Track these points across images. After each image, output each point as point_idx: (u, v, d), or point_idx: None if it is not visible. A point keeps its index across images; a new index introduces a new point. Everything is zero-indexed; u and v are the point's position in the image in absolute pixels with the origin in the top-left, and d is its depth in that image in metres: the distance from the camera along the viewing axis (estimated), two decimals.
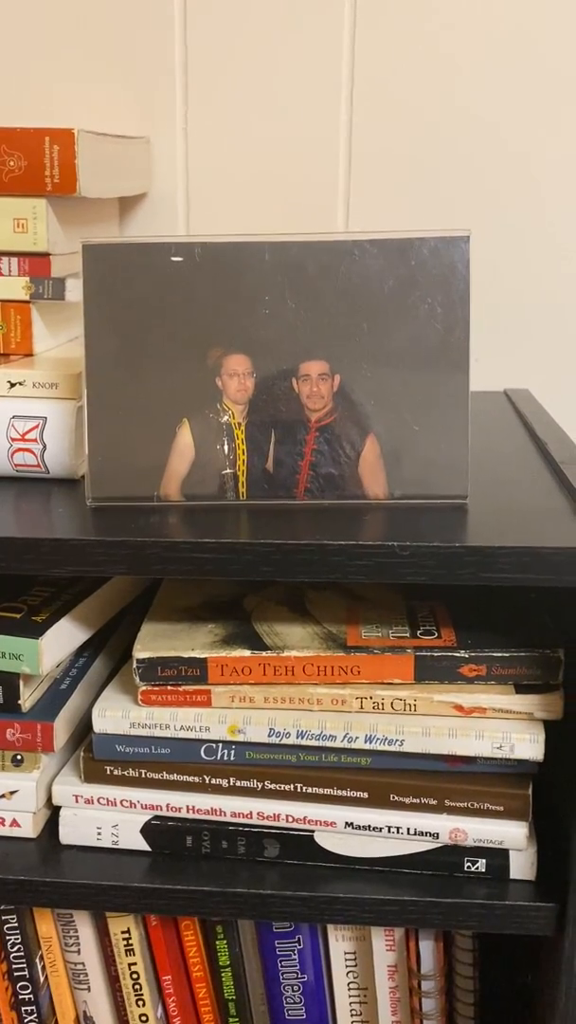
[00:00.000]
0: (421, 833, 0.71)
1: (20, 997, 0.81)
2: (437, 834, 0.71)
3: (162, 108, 0.99)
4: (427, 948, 0.76)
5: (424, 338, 0.67)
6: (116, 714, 0.72)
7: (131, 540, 0.64)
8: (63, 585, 0.78)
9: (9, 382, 0.72)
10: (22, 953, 0.80)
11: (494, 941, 0.81)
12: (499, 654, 0.69)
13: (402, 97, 0.97)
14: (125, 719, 0.72)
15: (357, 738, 0.70)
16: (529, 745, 0.69)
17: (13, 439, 0.72)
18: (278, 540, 0.63)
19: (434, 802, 0.71)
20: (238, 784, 0.72)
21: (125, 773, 0.73)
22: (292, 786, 0.72)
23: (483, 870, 0.72)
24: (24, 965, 0.80)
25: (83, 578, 0.79)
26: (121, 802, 0.74)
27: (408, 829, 0.71)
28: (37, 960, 0.80)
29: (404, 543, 0.62)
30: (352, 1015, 0.80)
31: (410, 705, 0.70)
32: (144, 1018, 0.80)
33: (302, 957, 0.79)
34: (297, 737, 0.71)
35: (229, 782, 0.72)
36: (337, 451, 0.68)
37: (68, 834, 0.75)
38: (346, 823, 0.72)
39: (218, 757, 0.72)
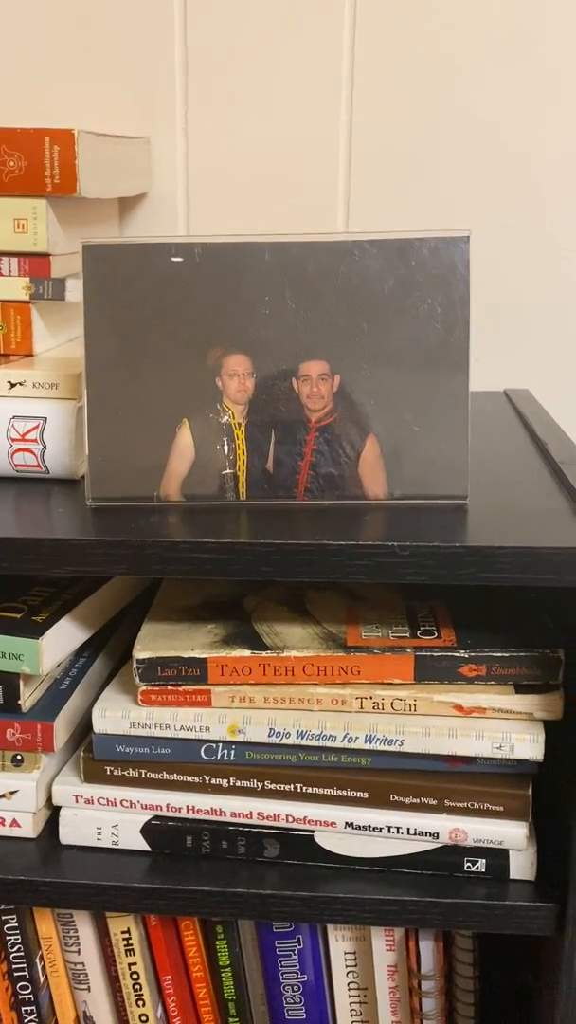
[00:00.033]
0: (421, 833, 0.71)
1: (20, 997, 0.81)
2: (437, 834, 0.71)
3: (162, 108, 0.99)
4: (427, 948, 0.76)
5: (424, 338, 0.67)
6: (116, 714, 0.72)
7: (131, 540, 0.64)
8: (63, 585, 0.78)
9: (9, 382, 0.72)
10: (22, 953, 0.80)
11: (494, 941, 0.81)
12: (499, 654, 0.69)
13: (402, 97, 0.97)
14: (125, 719, 0.72)
15: (357, 738, 0.70)
16: (529, 745, 0.69)
17: (13, 439, 0.72)
18: (278, 540, 0.63)
19: (434, 802, 0.71)
20: (238, 784, 0.72)
21: (125, 773, 0.73)
22: (292, 786, 0.72)
23: (483, 870, 0.72)
24: (24, 965, 0.80)
25: (83, 578, 0.79)
26: (121, 802, 0.74)
27: (408, 829, 0.72)
28: (37, 960, 0.80)
29: (404, 543, 0.62)
30: (352, 1015, 0.80)
31: (410, 705, 0.70)
32: (144, 1018, 0.80)
33: (302, 957, 0.79)
34: (297, 737, 0.71)
35: (229, 782, 0.72)
36: (337, 451, 0.68)
37: (68, 834, 0.75)
38: (346, 823, 0.72)
39: (218, 757, 0.72)
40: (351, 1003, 0.80)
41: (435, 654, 0.70)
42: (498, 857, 0.71)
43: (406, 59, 0.96)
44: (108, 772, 0.73)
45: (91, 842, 0.75)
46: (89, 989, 0.80)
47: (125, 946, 0.78)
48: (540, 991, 0.77)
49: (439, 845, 0.72)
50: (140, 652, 0.71)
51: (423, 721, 0.70)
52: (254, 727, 0.71)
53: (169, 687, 0.71)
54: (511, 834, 0.71)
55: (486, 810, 0.71)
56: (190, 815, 0.73)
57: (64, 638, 0.74)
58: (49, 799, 0.75)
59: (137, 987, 0.79)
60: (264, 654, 0.70)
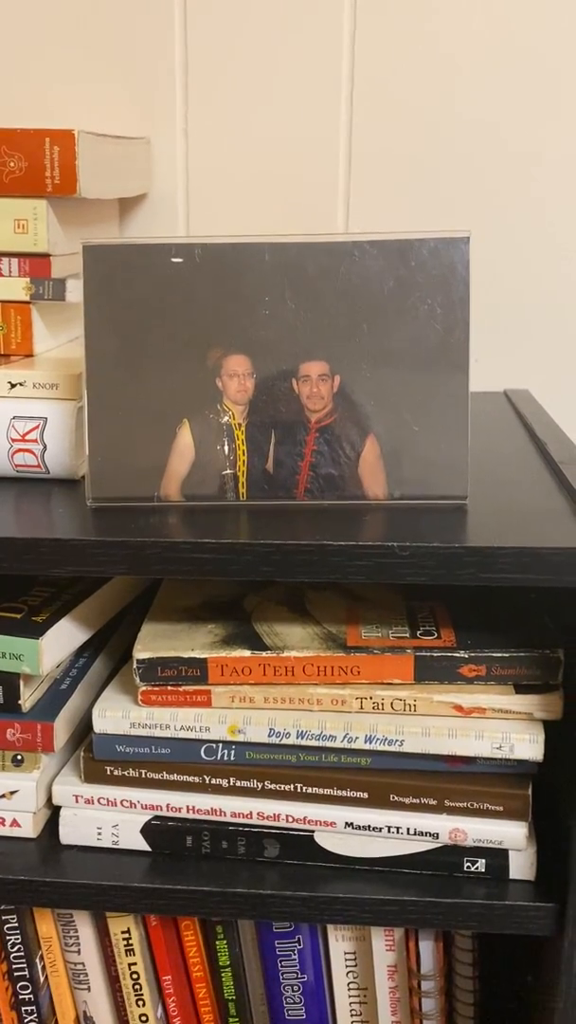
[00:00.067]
0: (421, 833, 0.71)
1: (20, 997, 0.81)
2: (437, 834, 0.71)
3: (162, 108, 0.99)
4: (427, 948, 0.76)
5: (424, 339, 0.67)
6: (116, 714, 0.72)
7: (131, 540, 0.64)
8: (63, 585, 0.79)
9: (9, 383, 0.72)
10: (22, 953, 0.80)
11: (494, 941, 0.81)
12: (499, 654, 0.69)
13: (402, 97, 0.97)
14: (125, 719, 0.72)
15: (357, 738, 0.70)
16: (529, 745, 0.69)
17: (13, 439, 0.72)
18: (278, 540, 0.63)
19: (434, 802, 0.71)
20: (238, 784, 0.72)
21: (125, 773, 0.73)
22: (292, 786, 0.72)
23: (483, 870, 0.72)
24: (24, 965, 0.80)
25: (83, 578, 0.80)
26: (121, 802, 0.74)
27: (408, 829, 0.72)
28: (37, 960, 0.80)
29: (404, 543, 0.62)
30: (352, 1015, 0.80)
31: (410, 705, 0.70)
32: (144, 1018, 0.80)
33: (302, 957, 0.79)
34: (297, 737, 0.71)
35: (229, 782, 0.73)
36: (337, 451, 0.68)
37: (68, 834, 0.75)
38: (346, 823, 0.72)
39: (218, 757, 0.72)
40: (351, 1003, 0.80)
41: (435, 654, 0.70)
42: (498, 857, 0.71)
43: (406, 59, 0.96)
44: (108, 772, 0.73)
45: (91, 842, 0.75)
46: (89, 989, 0.80)
47: (125, 946, 0.78)
48: (540, 991, 0.77)
49: (439, 845, 0.72)
50: (140, 652, 0.71)
51: (423, 721, 0.70)
52: (254, 727, 0.71)
53: (169, 687, 0.71)
54: (511, 834, 0.71)
55: (486, 810, 0.71)
56: (190, 815, 0.73)
57: (64, 638, 0.75)
58: (49, 799, 0.75)
59: (137, 987, 0.79)
60: (264, 654, 0.70)
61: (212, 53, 0.98)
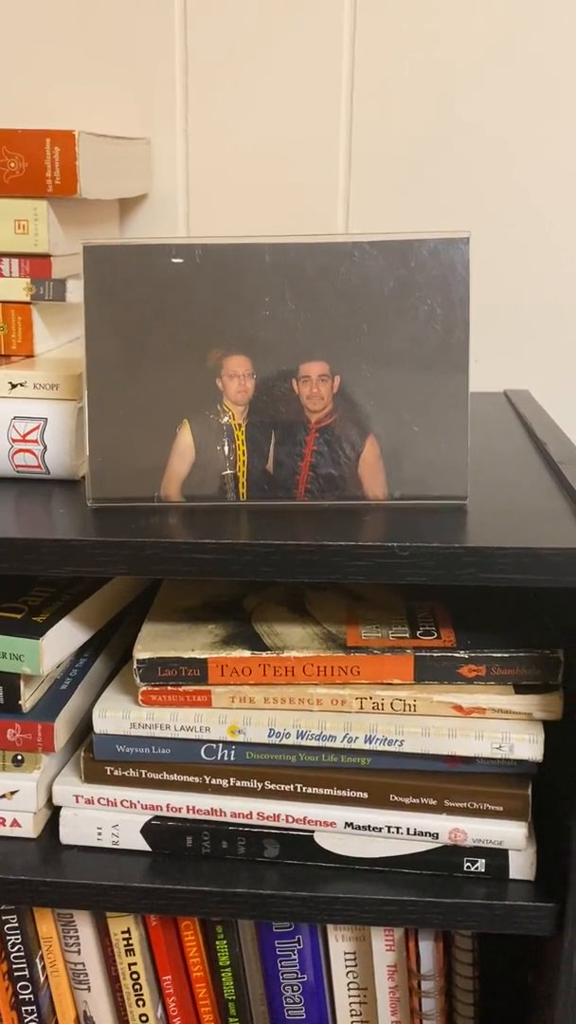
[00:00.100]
0: (421, 833, 0.72)
1: (20, 997, 0.81)
2: (437, 834, 0.71)
3: (162, 109, 0.99)
4: (427, 948, 0.77)
5: (424, 339, 0.67)
6: (116, 714, 0.72)
7: (131, 541, 0.64)
8: (64, 585, 0.79)
9: (10, 383, 0.72)
10: (22, 953, 0.80)
11: (494, 941, 0.81)
12: (498, 654, 0.70)
13: (402, 97, 0.97)
14: (125, 719, 0.72)
15: (357, 738, 0.70)
16: (528, 745, 0.69)
17: (14, 440, 0.72)
18: (278, 541, 0.63)
19: (434, 802, 0.71)
20: (238, 784, 0.73)
21: (125, 773, 0.73)
22: (292, 786, 0.72)
23: (483, 870, 0.72)
24: (24, 965, 0.80)
25: (84, 578, 0.80)
26: (121, 802, 0.74)
27: (408, 829, 0.72)
28: (37, 960, 0.80)
29: (404, 544, 0.62)
30: (352, 1015, 0.80)
31: (410, 705, 0.70)
32: (144, 1018, 0.80)
33: (302, 957, 0.79)
34: (297, 737, 0.71)
35: (229, 782, 0.73)
36: (337, 452, 0.68)
37: (68, 834, 0.75)
38: (346, 823, 0.72)
39: (218, 757, 0.72)
40: (351, 1003, 0.80)
41: (435, 654, 0.70)
42: (498, 857, 0.71)
43: (406, 60, 0.96)
44: (108, 772, 0.73)
45: (91, 842, 0.75)
46: (89, 989, 0.80)
47: (125, 946, 0.78)
48: (540, 991, 0.77)
49: (439, 845, 0.72)
50: (140, 652, 0.71)
51: (423, 721, 0.70)
52: (254, 727, 0.71)
53: (169, 687, 0.71)
54: (511, 834, 0.71)
55: (486, 810, 0.71)
56: (190, 815, 0.73)
57: (65, 638, 0.75)
58: (49, 799, 0.75)
59: (137, 987, 0.80)
60: (264, 654, 0.70)
61: (212, 53, 0.98)
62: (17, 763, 0.74)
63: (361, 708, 0.71)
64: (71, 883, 0.72)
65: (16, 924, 0.79)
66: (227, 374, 0.68)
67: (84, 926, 0.78)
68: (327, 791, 0.72)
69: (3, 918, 0.79)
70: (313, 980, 0.80)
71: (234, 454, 0.68)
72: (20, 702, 0.72)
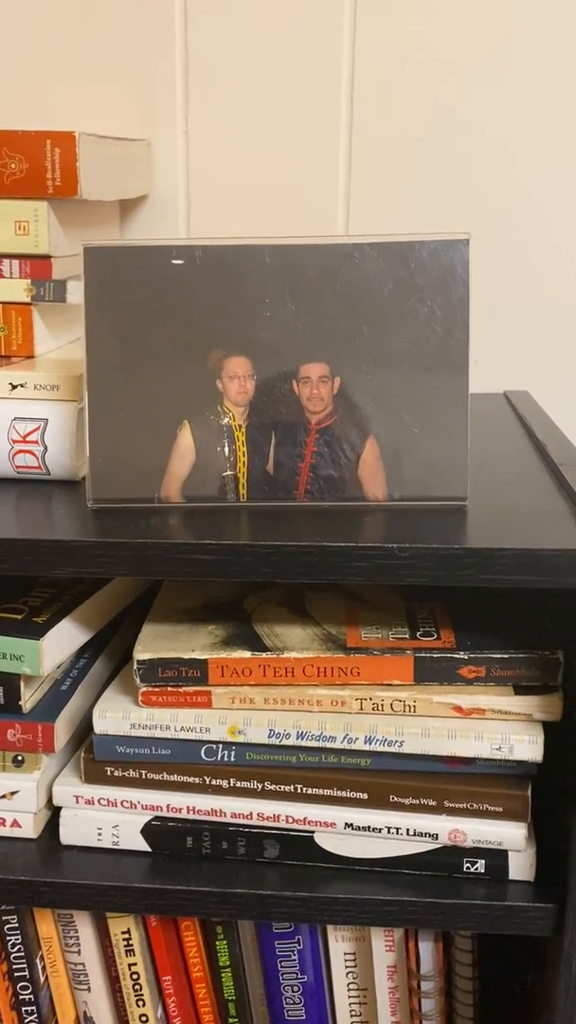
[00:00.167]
0: (420, 834, 0.72)
1: (20, 997, 0.81)
2: (436, 835, 0.71)
3: (162, 110, 1.00)
4: (426, 949, 0.77)
5: (424, 340, 0.68)
6: (117, 715, 0.72)
7: (132, 542, 0.64)
8: (64, 586, 0.79)
9: (10, 384, 0.73)
10: (22, 953, 0.80)
11: (494, 941, 0.81)
12: (498, 655, 0.70)
13: (402, 98, 0.97)
14: (126, 720, 0.72)
15: (357, 739, 0.70)
16: (528, 746, 0.69)
17: (14, 441, 0.72)
18: (278, 542, 0.63)
19: (433, 803, 0.71)
20: (238, 785, 0.73)
21: (125, 774, 0.73)
22: (292, 787, 0.72)
23: (482, 871, 0.72)
24: (24, 965, 0.80)
25: (84, 579, 0.80)
26: (121, 803, 0.74)
27: (407, 830, 0.72)
28: (37, 960, 0.80)
29: (403, 545, 0.63)
30: (352, 1015, 0.80)
31: (409, 706, 0.70)
32: (144, 1018, 0.80)
33: (302, 957, 0.79)
34: (297, 738, 0.71)
35: (229, 783, 0.73)
36: (337, 453, 0.69)
37: (69, 835, 0.75)
38: (346, 824, 0.72)
39: (218, 758, 0.72)
40: (351, 1003, 0.80)
41: (434, 655, 0.70)
42: (497, 858, 0.72)
43: (406, 60, 0.97)
44: (108, 773, 0.73)
45: (91, 843, 0.75)
46: (89, 989, 0.81)
47: (125, 946, 0.79)
48: (540, 991, 0.77)
49: (438, 846, 0.72)
50: (141, 653, 0.71)
51: (422, 722, 0.70)
52: (254, 728, 0.71)
53: (169, 688, 0.72)
54: (510, 835, 0.71)
55: (485, 811, 0.71)
56: (190, 816, 0.73)
57: (65, 639, 0.75)
58: (50, 800, 0.75)
59: (137, 987, 0.80)
60: (264, 655, 0.71)
61: (212, 53, 0.98)
62: (17, 763, 0.74)
63: (361, 709, 0.71)
64: (71, 883, 0.72)
65: (16, 924, 0.79)
66: (227, 375, 0.68)
67: (84, 926, 0.78)
68: (327, 792, 0.72)
69: (3, 918, 0.79)
70: (313, 980, 0.80)
71: (234, 455, 0.68)
72: (20, 702, 0.72)
